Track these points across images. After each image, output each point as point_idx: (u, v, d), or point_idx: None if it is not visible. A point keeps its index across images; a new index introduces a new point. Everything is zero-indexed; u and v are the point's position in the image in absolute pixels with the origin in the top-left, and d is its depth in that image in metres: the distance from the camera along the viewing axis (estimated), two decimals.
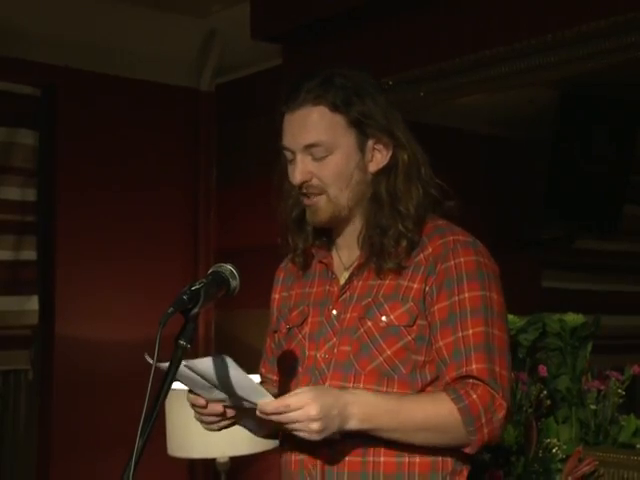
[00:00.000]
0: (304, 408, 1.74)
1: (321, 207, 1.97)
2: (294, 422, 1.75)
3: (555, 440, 2.78)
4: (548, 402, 2.84)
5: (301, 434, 1.77)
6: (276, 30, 3.91)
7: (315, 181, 1.95)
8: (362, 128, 1.96)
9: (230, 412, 1.90)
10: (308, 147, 1.94)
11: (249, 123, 4.36)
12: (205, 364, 1.75)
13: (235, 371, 1.74)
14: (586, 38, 2.89)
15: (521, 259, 4.05)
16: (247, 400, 1.80)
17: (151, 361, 1.62)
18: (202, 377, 1.78)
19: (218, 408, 1.89)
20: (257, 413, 1.79)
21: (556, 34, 2.96)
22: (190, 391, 1.90)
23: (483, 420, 1.84)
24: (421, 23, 3.45)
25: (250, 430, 2.04)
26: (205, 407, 1.89)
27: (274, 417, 1.76)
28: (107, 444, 4.10)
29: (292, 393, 1.78)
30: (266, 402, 1.76)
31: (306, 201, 1.99)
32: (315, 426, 1.74)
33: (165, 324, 1.62)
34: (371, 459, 1.90)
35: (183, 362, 1.71)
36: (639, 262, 4.21)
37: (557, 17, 2.98)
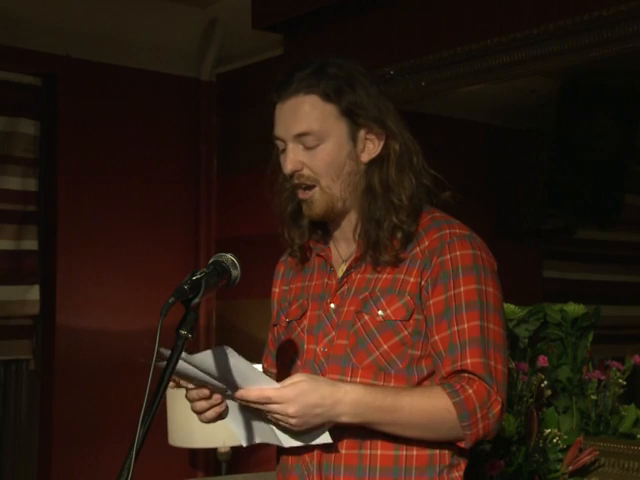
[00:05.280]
0: (284, 405, 1.75)
1: (316, 200, 1.96)
2: (273, 413, 1.77)
3: (556, 430, 2.78)
4: (549, 392, 2.84)
5: (281, 424, 1.79)
6: (277, 20, 3.90)
7: (306, 171, 1.95)
8: (353, 118, 1.95)
9: (217, 397, 1.87)
10: (299, 136, 1.94)
11: (250, 113, 4.36)
12: (204, 358, 1.74)
13: (237, 360, 1.73)
14: (587, 27, 2.89)
15: (522, 249, 4.05)
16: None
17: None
18: (201, 371, 1.77)
19: (204, 391, 1.86)
20: (235, 395, 1.78)
21: (557, 23, 2.96)
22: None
23: (478, 415, 1.83)
24: (422, 12, 3.44)
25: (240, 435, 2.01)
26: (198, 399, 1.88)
27: (253, 405, 1.78)
28: (108, 433, 4.11)
29: (280, 385, 1.78)
30: (249, 389, 1.76)
31: (301, 195, 1.98)
32: (293, 421, 1.77)
33: (166, 314, 1.62)
34: (368, 452, 1.89)
35: (182, 355, 1.70)
36: None
37: (558, 6, 2.98)
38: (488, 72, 3.22)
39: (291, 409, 1.74)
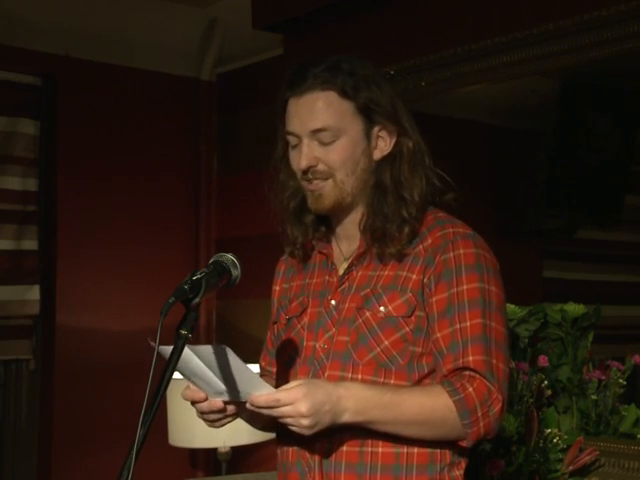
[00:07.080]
0: (294, 404, 1.73)
1: (326, 193, 1.95)
2: (285, 416, 1.75)
3: (556, 430, 2.78)
4: (549, 392, 2.84)
5: (293, 428, 1.77)
6: (277, 20, 3.90)
7: (321, 166, 1.94)
8: (369, 115, 1.95)
9: (231, 408, 1.88)
10: (315, 132, 1.93)
11: (250, 112, 4.36)
12: (206, 351, 1.75)
13: (235, 361, 1.73)
14: (587, 27, 2.89)
15: (522, 249, 4.05)
16: (245, 392, 1.79)
17: (153, 344, 1.61)
18: (204, 363, 1.77)
19: (218, 404, 1.87)
20: (247, 405, 1.78)
21: (558, 23, 2.96)
22: (187, 388, 1.89)
23: (479, 414, 1.83)
24: (423, 12, 3.44)
25: (248, 422, 2.03)
26: (205, 400, 1.87)
27: (265, 411, 1.76)
28: (108, 433, 4.11)
29: (284, 387, 1.78)
30: (257, 395, 1.75)
31: (310, 186, 1.96)
32: (305, 422, 1.74)
33: (166, 314, 1.62)
34: (369, 449, 1.89)
35: (186, 347, 1.71)
36: None
37: (558, 6, 2.98)
38: (488, 72, 3.22)
39: (303, 408, 1.73)
